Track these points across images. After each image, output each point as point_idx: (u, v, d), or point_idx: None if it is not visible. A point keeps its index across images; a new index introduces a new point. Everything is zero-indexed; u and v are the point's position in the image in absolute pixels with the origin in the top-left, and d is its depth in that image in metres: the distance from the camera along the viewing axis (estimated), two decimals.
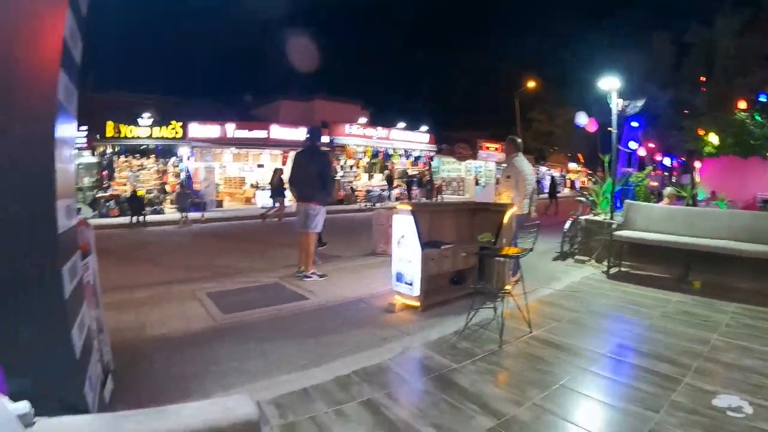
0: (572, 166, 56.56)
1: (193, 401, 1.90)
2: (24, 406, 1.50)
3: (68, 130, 2.76)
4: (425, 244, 6.46)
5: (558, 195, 27.25)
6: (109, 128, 24.88)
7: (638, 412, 3.62)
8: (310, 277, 8.37)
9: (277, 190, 20.53)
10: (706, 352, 4.91)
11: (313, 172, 8.31)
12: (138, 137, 25.70)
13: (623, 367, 4.62)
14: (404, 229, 6.53)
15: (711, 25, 25.13)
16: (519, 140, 8.25)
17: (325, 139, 29.01)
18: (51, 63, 2.39)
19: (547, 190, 31.68)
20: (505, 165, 8.59)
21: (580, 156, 42.64)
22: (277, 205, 20.51)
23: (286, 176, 11.73)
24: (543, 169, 53.32)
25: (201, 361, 4.74)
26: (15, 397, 1.50)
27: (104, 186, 24.57)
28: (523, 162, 8.02)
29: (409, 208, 6.55)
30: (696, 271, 8.17)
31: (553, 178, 33.79)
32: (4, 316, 2.24)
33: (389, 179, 33.14)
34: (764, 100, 24.48)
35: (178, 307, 6.70)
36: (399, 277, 6.64)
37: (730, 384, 4.15)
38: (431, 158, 39.87)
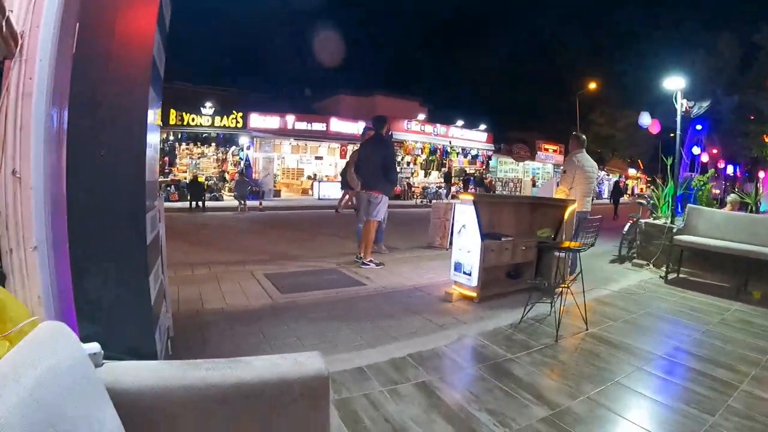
0: (631, 171, 55.42)
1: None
2: (95, 346, 1.59)
3: (154, 137, 2.99)
4: (485, 236, 6.53)
5: (620, 201, 26.67)
6: (172, 116, 25.69)
7: (693, 413, 3.63)
8: (368, 264, 8.53)
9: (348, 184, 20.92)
10: (765, 362, 4.85)
11: (378, 161, 8.43)
12: (200, 125, 26.52)
13: (679, 369, 4.62)
14: (465, 219, 6.62)
15: None
16: (583, 137, 8.28)
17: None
18: (142, 79, 2.58)
19: (606, 195, 31.05)
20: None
21: (639, 162, 41.93)
22: (347, 196, 20.89)
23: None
24: (602, 173, 52.50)
25: (258, 336, 4.92)
26: (86, 340, 1.58)
27: (166, 171, 25.36)
28: (584, 158, 8.04)
29: (471, 198, 6.62)
30: (757, 281, 7.94)
31: (617, 182, 33.34)
32: (88, 258, 2.40)
33: (447, 177, 33.13)
34: None
35: (237, 285, 6.92)
36: (457, 267, 6.73)
37: None
38: (489, 157, 39.71)
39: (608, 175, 54.63)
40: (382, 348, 4.64)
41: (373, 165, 8.45)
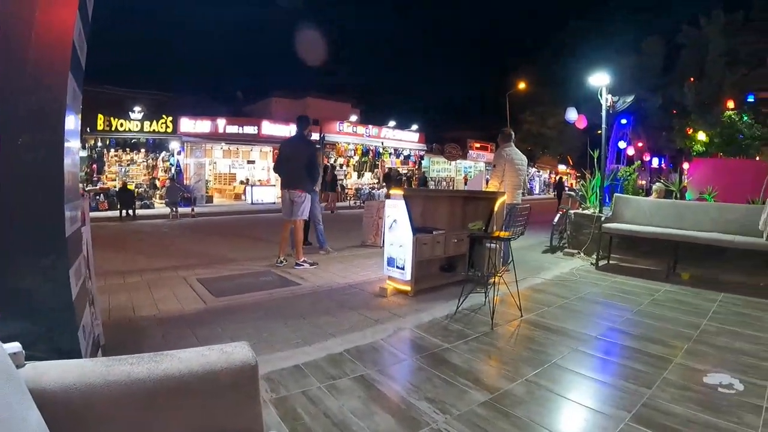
0: (561, 168, 57.00)
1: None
2: (15, 345, 1.50)
3: (73, 124, 2.84)
4: (417, 230, 6.53)
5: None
6: (100, 121, 24.82)
7: (631, 387, 3.72)
8: (302, 265, 8.44)
9: (330, 184, 21.86)
10: (696, 336, 5.06)
11: (300, 159, 8.39)
12: (129, 130, 25.71)
13: (615, 348, 4.73)
14: (397, 214, 6.60)
15: (702, 27, 25.39)
16: (510, 132, 8.46)
17: (315, 135, 29.05)
18: (60, 63, 2.45)
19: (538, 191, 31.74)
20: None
21: (569, 158, 43.12)
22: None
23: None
24: (533, 170, 53.83)
25: (192, 340, 4.75)
26: (6, 340, 1.49)
27: (94, 179, 24.50)
28: (512, 152, 8.22)
29: (402, 192, 6.61)
30: (684, 262, 8.42)
31: (560, 178, 34.37)
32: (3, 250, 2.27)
33: (387, 177, 33.29)
34: (752, 100, 24.87)
35: (170, 291, 6.71)
36: (390, 262, 6.71)
37: (721, 364, 4.29)
38: (421, 157, 40.11)
39: (539, 171, 56.08)
40: (319, 345, 4.56)
41: (295, 164, 8.39)
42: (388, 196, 7.07)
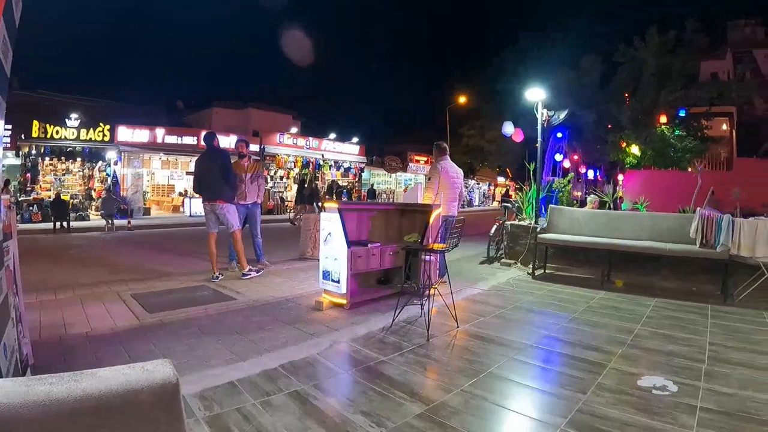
0: (501, 180, 57.98)
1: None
2: None
3: None
4: (352, 243, 6.49)
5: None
6: (35, 128, 23.87)
7: (566, 394, 3.76)
8: (249, 274, 8.40)
9: (308, 197, 21.88)
10: (630, 340, 5.20)
11: (214, 171, 8.30)
12: (64, 138, 24.73)
13: (550, 356, 4.78)
14: (331, 227, 6.53)
15: (637, 47, 26.26)
16: (444, 145, 8.52)
17: (254, 147, 28.77)
18: None
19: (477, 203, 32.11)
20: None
21: (508, 170, 43.86)
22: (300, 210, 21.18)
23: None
24: (472, 182, 54.57)
25: (124, 358, 4.57)
26: None
27: (27, 189, 23.52)
28: (447, 165, 8.26)
29: (336, 206, 6.56)
30: (618, 270, 8.69)
31: (507, 190, 35.01)
32: None
33: (329, 189, 33.18)
34: (684, 115, 25.90)
35: (103, 307, 6.45)
36: (326, 275, 6.63)
37: (655, 367, 4.41)
38: (361, 170, 40.19)
39: (479, 183, 56.91)
40: (254, 360, 4.45)
41: (212, 176, 8.29)
42: (322, 210, 7.01)
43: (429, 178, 8.32)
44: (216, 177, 8.29)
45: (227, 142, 25.72)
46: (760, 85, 31.60)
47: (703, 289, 7.99)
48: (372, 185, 38.06)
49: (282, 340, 5.15)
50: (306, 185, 22.59)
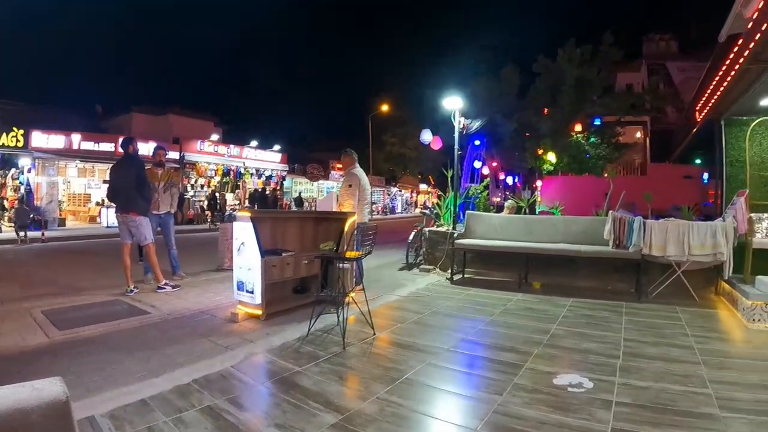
0: (423, 187, 58.63)
1: None
2: None
3: None
4: (267, 252, 6.34)
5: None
6: None
7: (482, 396, 3.76)
8: (164, 288, 8.10)
9: (272, 206, 21.96)
10: (546, 340, 5.29)
11: (129, 180, 8.01)
12: None
13: (467, 359, 4.79)
14: (245, 236, 6.35)
15: (557, 58, 27.02)
16: (354, 152, 8.47)
17: (174, 154, 28.08)
18: None
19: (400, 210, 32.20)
20: (343, 176, 8.72)
21: (430, 177, 44.33)
22: None
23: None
24: (394, 190, 55.02)
25: (32, 378, 4.34)
26: None
27: None
28: (361, 172, 8.26)
29: (249, 214, 6.40)
30: (536, 273, 8.93)
31: (439, 196, 35.67)
32: None
33: (252, 198, 32.53)
34: (599, 123, 26.89)
35: (11, 324, 6.07)
36: (240, 286, 6.45)
37: (570, 365, 4.50)
38: (283, 178, 39.83)
39: (401, 191, 57.42)
40: (167, 376, 4.25)
41: (126, 186, 8.00)
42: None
43: (349, 185, 8.23)
44: (130, 187, 7.98)
45: (146, 149, 24.93)
46: (673, 95, 33.22)
47: (617, 287, 8.36)
48: (299, 194, 37.65)
49: (196, 354, 4.98)
50: (268, 195, 22.22)
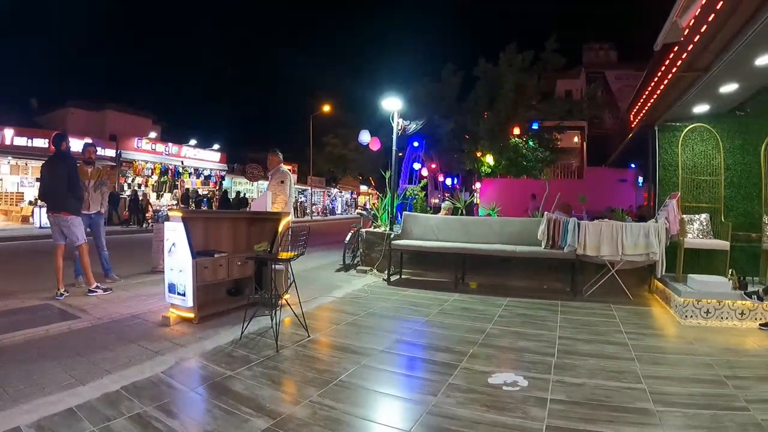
0: (363, 188, 58.72)
1: None
2: None
3: None
4: (199, 253, 6.16)
5: None
6: None
7: (416, 397, 3.74)
8: (95, 292, 7.78)
9: (235, 208, 21.70)
10: (482, 340, 5.32)
11: (62, 179, 7.72)
12: None
13: (401, 360, 4.77)
14: (175, 237, 6.15)
15: (498, 63, 27.37)
16: (281, 153, 8.46)
17: (110, 152, 27.33)
18: None
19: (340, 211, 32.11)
20: (271, 175, 8.60)
21: (371, 179, 44.43)
22: None
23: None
24: (335, 191, 55.01)
25: None
26: None
27: None
28: (288, 171, 8.22)
29: (180, 214, 6.21)
30: (473, 273, 9.09)
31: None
32: None
33: (185, 198, 31.83)
34: (537, 127, 27.40)
35: None
36: (171, 288, 6.25)
37: (505, 363, 4.53)
38: (222, 177, 39.29)
39: (341, 192, 57.49)
40: (95, 383, 4.08)
41: (57, 185, 7.71)
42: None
43: (281, 182, 8.13)
44: (62, 186, 7.69)
45: (80, 146, 24.12)
46: (610, 102, 34.15)
47: (554, 286, 8.55)
48: (244, 195, 37.11)
49: (126, 359, 4.80)
50: (235, 196, 21.85)
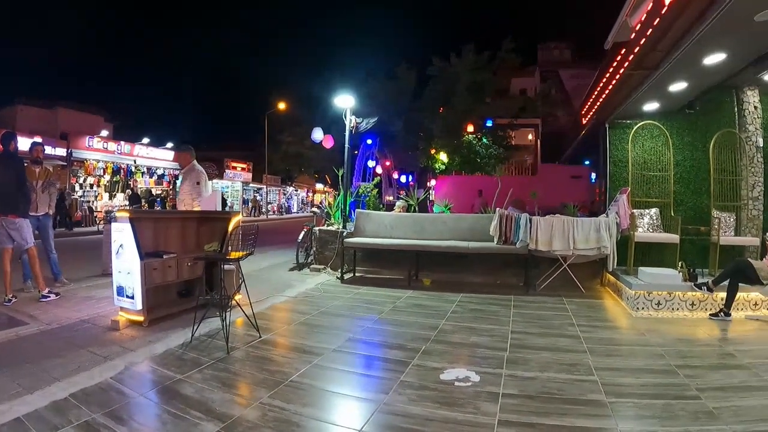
0: (319, 186, 58.58)
1: None
2: None
3: None
4: (148, 255, 6.03)
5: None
6: None
7: (368, 395, 3.73)
8: (48, 297, 7.51)
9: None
10: (434, 336, 5.33)
11: (10, 180, 7.50)
12: None
13: (353, 359, 4.74)
14: (123, 239, 5.99)
15: (453, 61, 27.52)
16: (193, 150, 8.29)
17: (61, 151, 26.66)
18: None
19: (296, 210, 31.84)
20: (182, 174, 8.42)
21: (327, 177, 44.38)
22: None
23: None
24: (290, 189, 54.83)
25: None
26: None
27: None
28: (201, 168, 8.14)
29: (128, 215, 6.06)
30: (426, 270, 9.10)
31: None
32: None
33: (134, 198, 31.08)
34: (491, 125, 27.68)
35: None
36: (120, 291, 6.08)
37: (457, 359, 4.56)
38: (176, 177, 38.64)
39: (297, 190, 57.30)
40: (44, 391, 3.96)
41: (6, 186, 7.48)
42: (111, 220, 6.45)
43: (197, 183, 7.97)
44: (10, 187, 7.46)
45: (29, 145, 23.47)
46: (564, 100, 34.72)
47: (507, 281, 8.66)
48: (161, 194, 36.45)
49: (75, 366, 4.66)
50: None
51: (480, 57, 27.16)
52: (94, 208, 28.63)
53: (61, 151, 27.24)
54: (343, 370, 4.38)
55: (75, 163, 28.51)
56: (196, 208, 7.71)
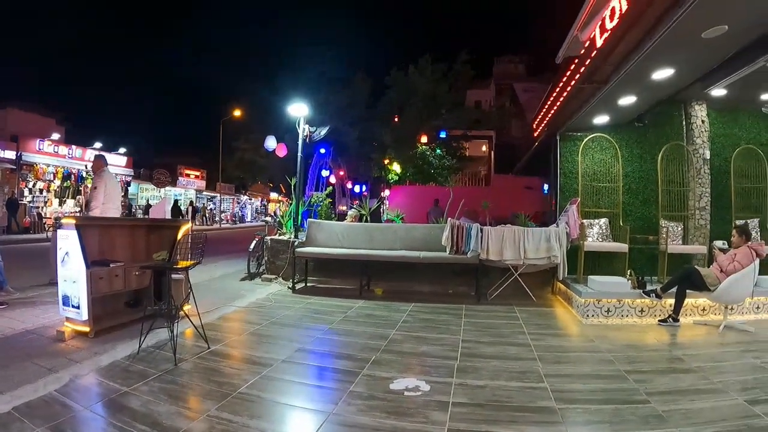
0: (274, 195, 58.26)
1: None
2: None
3: None
4: (94, 263, 5.89)
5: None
6: None
7: (316, 406, 3.71)
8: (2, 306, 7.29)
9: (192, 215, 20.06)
10: (384, 346, 5.35)
11: None
12: None
13: (302, 369, 4.72)
14: (69, 246, 5.84)
15: (409, 73, 27.70)
16: (105, 158, 8.32)
17: (10, 154, 25.94)
18: None
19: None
20: (95, 177, 8.41)
21: (282, 186, 44.15)
22: None
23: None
24: (244, 198, 54.46)
25: None
26: None
27: None
28: (111, 174, 8.23)
29: (74, 222, 5.92)
30: (378, 279, 9.17)
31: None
32: None
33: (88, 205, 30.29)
34: (444, 136, 27.94)
35: None
36: (65, 301, 5.91)
37: (407, 369, 4.56)
38: (128, 183, 37.93)
39: (251, 199, 56.92)
40: None
41: None
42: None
43: (95, 187, 7.93)
44: None
45: None
46: (518, 113, 35.28)
47: (458, 291, 8.75)
48: (195, 204, 35.76)
49: (18, 378, 4.52)
50: (188, 206, 21.17)
51: (436, 68, 27.41)
52: (43, 214, 27.84)
53: (10, 154, 26.54)
54: (292, 381, 4.35)
55: (24, 167, 27.77)
56: (92, 213, 7.64)
